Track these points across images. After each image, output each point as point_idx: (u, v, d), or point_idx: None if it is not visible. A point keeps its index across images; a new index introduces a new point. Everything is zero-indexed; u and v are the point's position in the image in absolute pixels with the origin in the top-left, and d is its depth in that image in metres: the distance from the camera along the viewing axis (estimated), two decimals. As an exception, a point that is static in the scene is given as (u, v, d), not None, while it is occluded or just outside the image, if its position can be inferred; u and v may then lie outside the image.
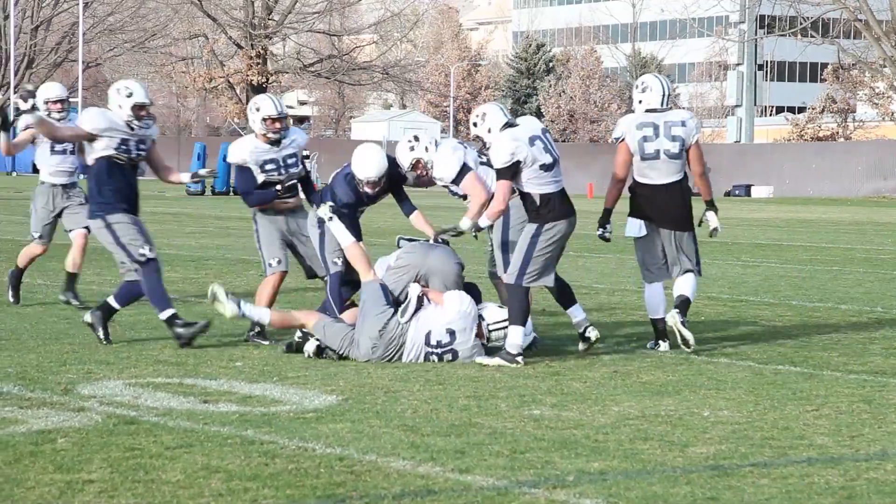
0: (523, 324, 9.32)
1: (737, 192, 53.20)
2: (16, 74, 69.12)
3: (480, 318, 9.39)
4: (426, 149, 9.86)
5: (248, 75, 70.83)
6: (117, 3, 77.02)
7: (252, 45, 69.86)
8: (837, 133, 77.57)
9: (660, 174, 10.05)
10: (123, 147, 9.97)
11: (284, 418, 7.28)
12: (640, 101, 10.16)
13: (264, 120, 10.17)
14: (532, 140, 9.41)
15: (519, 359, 9.24)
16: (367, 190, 9.94)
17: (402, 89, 71.05)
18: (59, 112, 12.33)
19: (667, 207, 10.09)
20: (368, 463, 6.27)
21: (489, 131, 9.55)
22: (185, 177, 10.66)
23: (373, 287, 9.38)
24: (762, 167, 54.39)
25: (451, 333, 9.28)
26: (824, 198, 50.93)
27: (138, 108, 9.97)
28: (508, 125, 9.49)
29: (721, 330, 11.30)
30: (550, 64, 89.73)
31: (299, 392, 8.09)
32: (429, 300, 9.38)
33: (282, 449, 6.52)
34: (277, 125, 10.15)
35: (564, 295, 9.82)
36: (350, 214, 9.90)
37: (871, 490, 5.96)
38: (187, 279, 14.69)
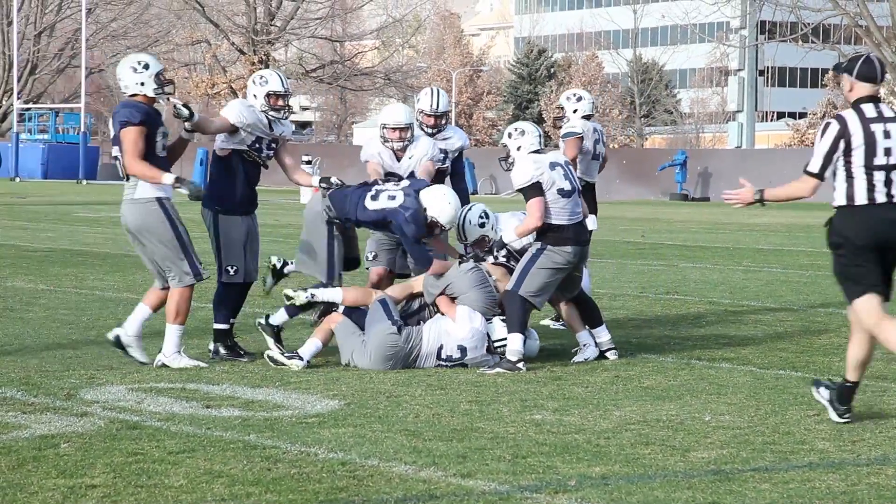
0: (521, 331, 9.33)
1: (738, 197, 53.20)
2: (19, 80, 69.16)
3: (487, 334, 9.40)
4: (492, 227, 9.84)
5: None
6: (120, 9, 77.11)
7: (254, 50, 69.92)
8: (839, 138, 77.39)
9: None
10: (256, 146, 9.65)
11: (287, 423, 7.29)
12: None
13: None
14: (553, 165, 9.51)
15: (520, 365, 9.25)
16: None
17: (405, 95, 71.12)
18: None
19: None
20: (370, 468, 6.29)
21: (518, 149, 9.64)
22: (314, 180, 9.87)
23: (377, 306, 9.36)
24: (763, 172, 54.28)
25: (462, 350, 9.30)
26: (825, 203, 50.87)
27: (274, 98, 9.59)
28: (536, 152, 9.63)
29: (722, 334, 11.31)
30: (552, 69, 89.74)
31: (301, 397, 8.11)
32: (441, 313, 9.38)
33: (284, 454, 6.53)
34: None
35: (592, 315, 9.84)
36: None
37: (872, 495, 5.98)
38: (189, 285, 14.70)
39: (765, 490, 6.02)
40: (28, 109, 69.59)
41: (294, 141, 57.61)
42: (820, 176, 7.68)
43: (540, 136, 9.77)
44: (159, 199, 9.21)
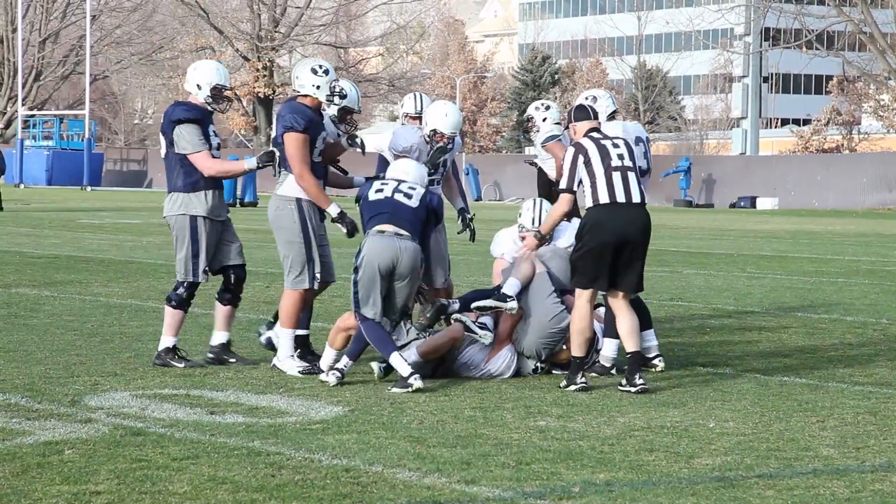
0: (618, 336, 9.47)
1: (742, 203, 53.19)
2: (23, 87, 69.26)
3: None
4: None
5: (254, 87, 70.96)
6: (125, 15, 77.23)
7: (259, 57, 70.03)
8: (842, 145, 77.56)
9: None
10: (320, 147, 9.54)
11: (291, 429, 7.30)
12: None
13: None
14: (637, 140, 9.75)
15: (614, 371, 9.50)
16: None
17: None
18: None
19: None
20: (374, 474, 6.29)
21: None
22: (359, 180, 9.72)
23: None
24: (767, 179, 54.38)
25: (490, 376, 9.28)
26: (829, 209, 50.90)
27: (346, 113, 9.46)
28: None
29: (726, 341, 11.30)
30: (556, 76, 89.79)
31: (305, 403, 8.11)
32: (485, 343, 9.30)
33: (288, 460, 6.53)
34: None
35: (642, 318, 9.83)
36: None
37: (876, 501, 5.97)
38: (194, 291, 14.71)
39: (769, 497, 6.01)
40: (32, 116, 69.70)
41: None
42: None
43: (613, 101, 10.10)
44: (299, 200, 9.21)
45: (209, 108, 9.40)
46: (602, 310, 9.78)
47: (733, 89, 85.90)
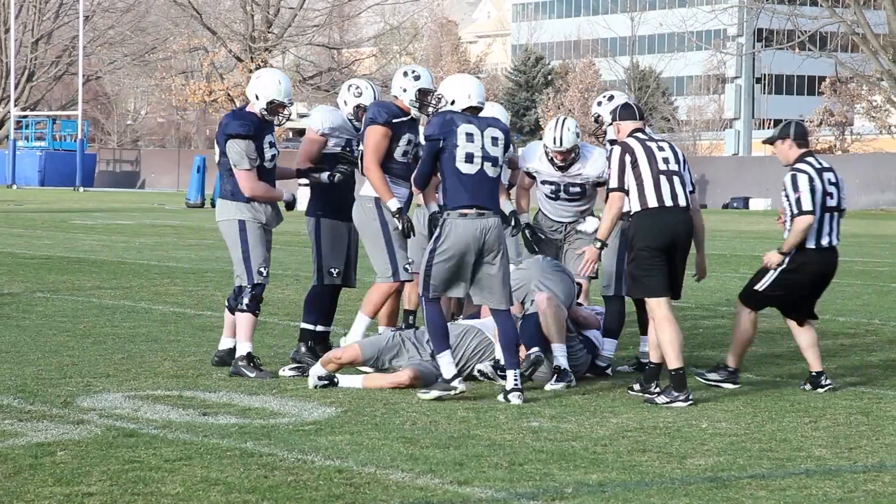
0: (618, 336, 9.54)
1: (735, 204, 53.24)
2: (16, 87, 69.17)
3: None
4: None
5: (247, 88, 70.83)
6: (117, 16, 77.16)
7: (252, 58, 69.98)
8: (835, 146, 77.65)
9: None
10: (348, 148, 9.63)
11: (283, 430, 7.29)
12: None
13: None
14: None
15: (609, 371, 9.49)
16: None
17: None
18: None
19: None
20: (367, 475, 6.28)
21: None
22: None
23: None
24: (760, 180, 54.46)
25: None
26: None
27: (363, 111, 9.46)
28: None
29: (719, 342, 11.30)
30: (549, 77, 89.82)
31: (298, 404, 8.11)
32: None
33: (281, 461, 6.53)
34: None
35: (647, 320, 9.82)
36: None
37: (868, 502, 5.98)
38: (187, 291, 14.71)
39: (762, 497, 6.02)
40: (25, 117, 69.60)
41: (291, 148, 57.59)
42: None
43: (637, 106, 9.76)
44: (377, 200, 9.23)
45: (267, 119, 9.28)
46: (598, 308, 9.79)
47: (726, 90, 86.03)
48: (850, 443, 7.23)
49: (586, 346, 9.41)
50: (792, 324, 9.22)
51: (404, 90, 9.16)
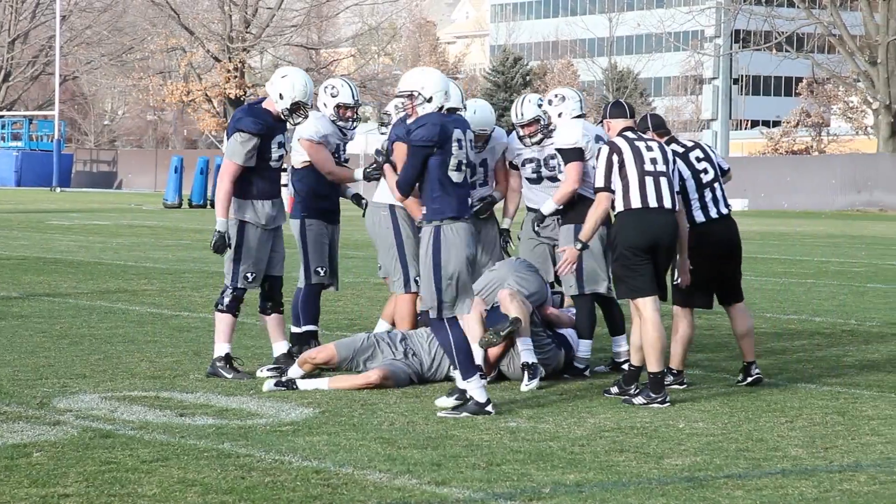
0: (591, 336, 9.49)
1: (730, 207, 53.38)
2: (-8, 87, 68.86)
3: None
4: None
5: (225, 88, 70.75)
6: (94, 16, 76.90)
7: (230, 58, 69.84)
8: (812, 147, 77.94)
9: None
10: (335, 154, 9.60)
11: (261, 431, 7.28)
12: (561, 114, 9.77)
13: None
14: (598, 138, 9.56)
15: (587, 373, 9.42)
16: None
17: (380, 102, 71.15)
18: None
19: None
20: (345, 476, 6.28)
21: (559, 115, 9.67)
22: (358, 173, 9.45)
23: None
24: (737, 180, 54.56)
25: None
26: (799, 211, 51.14)
27: (343, 109, 9.55)
28: (580, 116, 9.67)
29: (696, 342, 11.32)
30: (527, 77, 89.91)
31: (276, 405, 8.09)
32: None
33: (258, 462, 6.52)
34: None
35: (615, 322, 9.81)
36: None
37: (844, 501, 6.01)
38: (164, 292, 14.67)
39: (738, 497, 6.04)
40: (2, 117, 69.30)
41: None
42: None
43: (581, 101, 9.77)
44: (391, 207, 9.30)
45: (283, 118, 9.11)
46: (573, 310, 9.79)
47: (703, 91, 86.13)
48: (826, 442, 7.26)
49: (558, 341, 9.42)
50: (729, 313, 9.30)
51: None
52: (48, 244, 22.32)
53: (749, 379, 9.12)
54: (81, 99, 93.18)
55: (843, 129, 79.16)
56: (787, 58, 59.44)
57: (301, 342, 9.61)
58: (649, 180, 8.56)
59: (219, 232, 9.06)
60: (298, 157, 9.67)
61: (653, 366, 8.39)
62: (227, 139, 9.29)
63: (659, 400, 8.31)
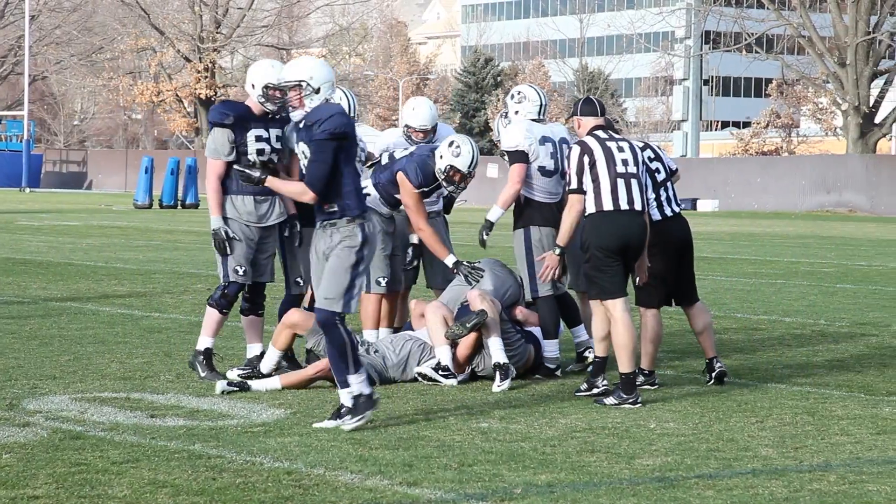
0: (557, 335, 9.47)
1: (683, 205, 53.44)
2: (-40, 87, 68.48)
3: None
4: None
5: (196, 89, 70.55)
6: (64, 16, 76.54)
7: (200, 58, 69.64)
8: (781, 148, 78.31)
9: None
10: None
11: (232, 432, 7.26)
12: (518, 112, 9.81)
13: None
14: (543, 140, 9.55)
15: (559, 373, 9.46)
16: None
17: (351, 103, 70.97)
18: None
19: None
20: (316, 476, 6.27)
21: (516, 112, 9.68)
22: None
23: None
24: (708, 181, 54.82)
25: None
26: (769, 212, 51.36)
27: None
28: (536, 121, 9.69)
29: (667, 342, 11.36)
30: (499, 78, 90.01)
31: (247, 406, 8.07)
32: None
33: (229, 463, 6.50)
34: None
35: (570, 313, 9.84)
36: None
37: (814, 501, 6.04)
38: (134, 293, 14.62)
39: (709, 497, 6.06)
40: (-30, 117, 68.87)
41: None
42: None
43: (542, 105, 9.73)
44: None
45: (265, 108, 8.88)
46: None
47: (674, 92, 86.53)
48: (796, 442, 7.29)
49: (526, 338, 9.44)
50: (687, 312, 9.35)
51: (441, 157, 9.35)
52: (17, 245, 22.20)
53: (713, 374, 9.16)
54: (51, 99, 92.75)
55: (812, 131, 79.57)
56: (756, 59, 59.68)
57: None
58: (621, 182, 8.57)
59: (213, 230, 9.01)
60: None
61: (624, 366, 8.40)
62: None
63: (630, 400, 8.33)
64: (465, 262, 9.26)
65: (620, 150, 8.65)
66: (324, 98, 7.63)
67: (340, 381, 7.56)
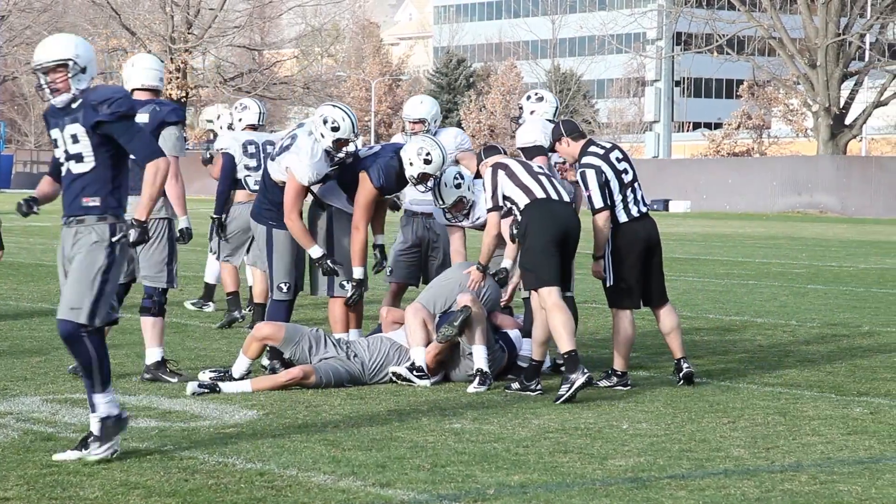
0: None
1: (655, 206, 53.70)
2: (-71, 87, 68.08)
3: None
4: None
5: (167, 89, 70.31)
6: (34, 16, 76.16)
7: (172, 58, 69.40)
8: (753, 149, 78.62)
9: None
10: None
11: (204, 433, 7.24)
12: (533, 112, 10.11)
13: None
14: None
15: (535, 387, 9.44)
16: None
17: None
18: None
19: None
20: (289, 478, 6.26)
21: (531, 113, 10.01)
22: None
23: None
24: (680, 182, 54.99)
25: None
26: (740, 213, 51.55)
27: (342, 143, 9.38)
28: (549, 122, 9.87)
29: (639, 343, 11.39)
30: (471, 79, 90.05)
31: (219, 407, 8.05)
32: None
33: (202, 464, 6.48)
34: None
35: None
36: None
37: (785, 501, 6.06)
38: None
39: (681, 497, 6.08)
40: (-60, 117, 68.49)
41: (213, 151, 57.16)
42: None
43: (557, 108, 10.06)
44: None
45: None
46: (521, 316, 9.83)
47: (646, 93, 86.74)
48: (767, 443, 7.32)
49: (503, 342, 9.46)
50: (655, 312, 9.41)
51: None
52: (-13, 246, 22.06)
53: (681, 374, 9.19)
54: (21, 100, 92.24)
55: (783, 132, 79.91)
56: (728, 60, 59.89)
57: (274, 356, 9.23)
58: (543, 177, 8.93)
59: (188, 229, 9.11)
60: (279, 175, 9.40)
61: (565, 346, 8.48)
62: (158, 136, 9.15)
63: (580, 379, 8.35)
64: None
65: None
66: (90, 78, 6.70)
67: (89, 402, 6.67)
